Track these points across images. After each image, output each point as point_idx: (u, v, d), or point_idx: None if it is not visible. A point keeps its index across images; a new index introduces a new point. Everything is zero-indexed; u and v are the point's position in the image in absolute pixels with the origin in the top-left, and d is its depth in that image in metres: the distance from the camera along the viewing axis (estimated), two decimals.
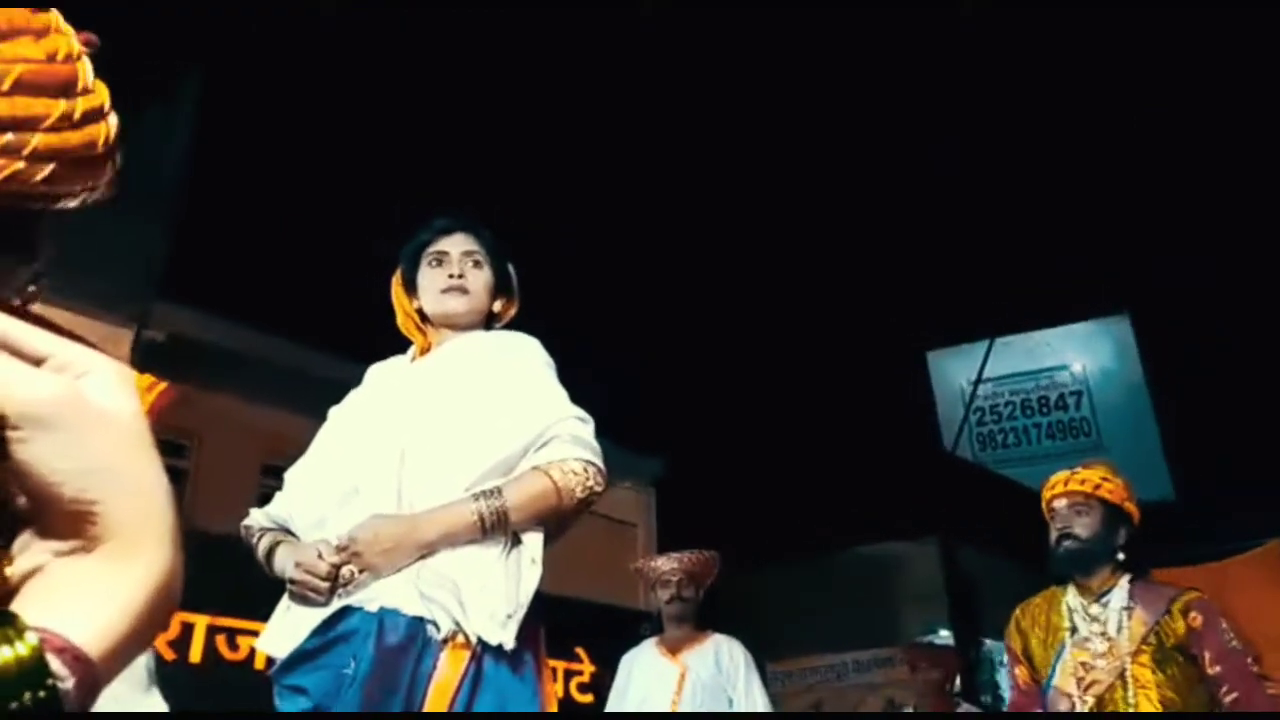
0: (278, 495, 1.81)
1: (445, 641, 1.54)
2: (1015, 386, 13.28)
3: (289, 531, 1.76)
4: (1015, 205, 10.91)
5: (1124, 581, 2.50)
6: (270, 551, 1.70)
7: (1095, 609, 2.50)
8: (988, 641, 8.14)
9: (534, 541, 1.64)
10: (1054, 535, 2.56)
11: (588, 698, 7.93)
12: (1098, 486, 2.56)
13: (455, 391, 1.72)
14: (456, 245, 1.85)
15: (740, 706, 3.44)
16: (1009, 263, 10.94)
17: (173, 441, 7.61)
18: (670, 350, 10.69)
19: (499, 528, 1.60)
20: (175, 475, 7.68)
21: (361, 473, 1.69)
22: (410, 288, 1.87)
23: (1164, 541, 8.12)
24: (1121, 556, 2.51)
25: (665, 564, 3.64)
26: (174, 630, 4.67)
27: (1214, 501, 10.29)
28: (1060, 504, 2.57)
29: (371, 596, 1.58)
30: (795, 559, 9.65)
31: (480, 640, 1.54)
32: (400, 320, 1.92)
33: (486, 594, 1.58)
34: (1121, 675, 2.41)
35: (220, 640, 5.21)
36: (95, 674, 0.43)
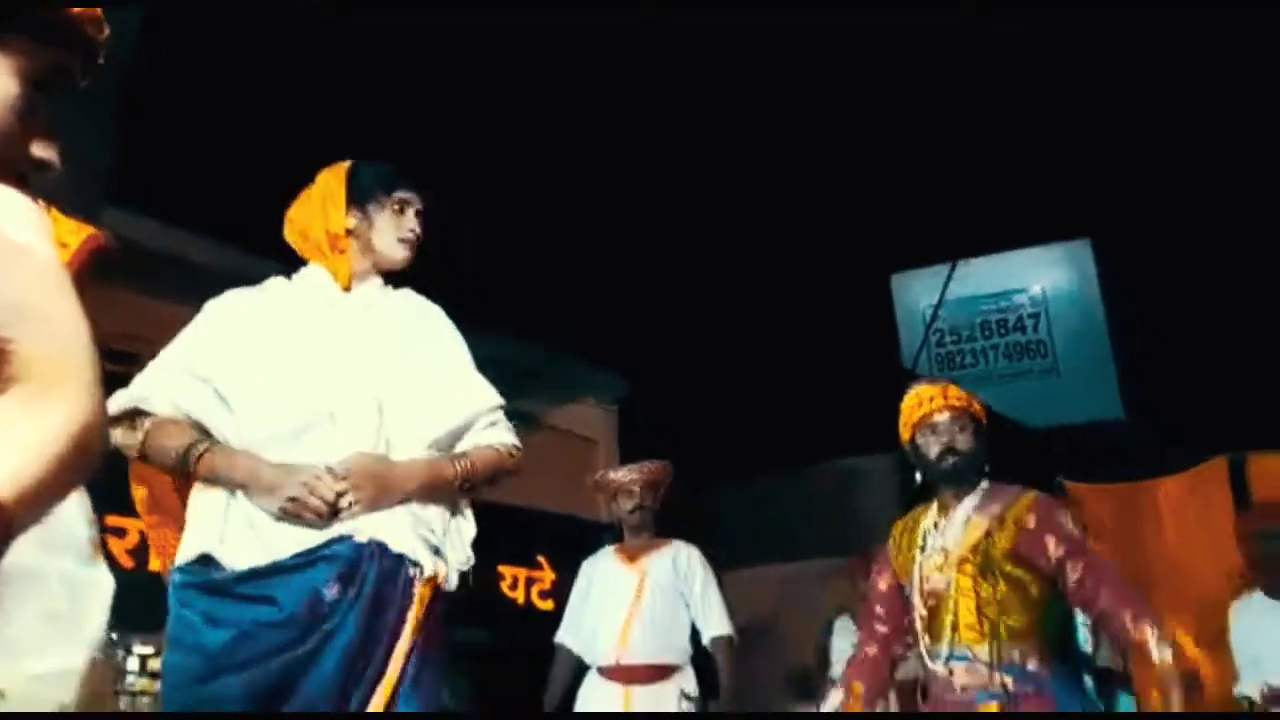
0: (175, 382, 1.76)
1: (420, 581, 1.72)
2: (976, 308, 13.43)
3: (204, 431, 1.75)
4: (981, 129, 10.87)
5: (977, 491, 2.49)
6: (206, 455, 1.70)
7: (942, 522, 2.50)
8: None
9: (468, 505, 1.91)
10: (935, 450, 2.51)
11: (548, 604, 8.13)
12: (971, 403, 2.56)
13: (415, 349, 1.88)
14: (417, 202, 1.95)
15: (696, 609, 3.53)
16: (974, 186, 10.95)
17: (125, 350, 7.51)
18: (636, 269, 10.66)
19: (465, 489, 1.85)
20: (120, 381, 7.58)
21: (336, 404, 1.75)
22: (355, 208, 1.88)
23: (1113, 459, 8.39)
24: (987, 470, 2.53)
25: (625, 475, 3.68)
26: (132, 539, 4.69)
27: (1162, 422, 10.59)
28: (942, 418, 2.53)
29: (360, 527, 1.69)
30: (755, 474, 9.84)
31: (439, 585, 1.75)
32: (315, 228, 1.88)
33: (453, 545, 1.83)
34: (950, 586, 2.40)
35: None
36: (8, 519, 0.42)
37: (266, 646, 1.61)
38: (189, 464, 1.69)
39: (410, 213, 1.94)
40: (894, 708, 4.56)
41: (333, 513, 1.67)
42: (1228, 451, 6.92)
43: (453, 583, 1.80)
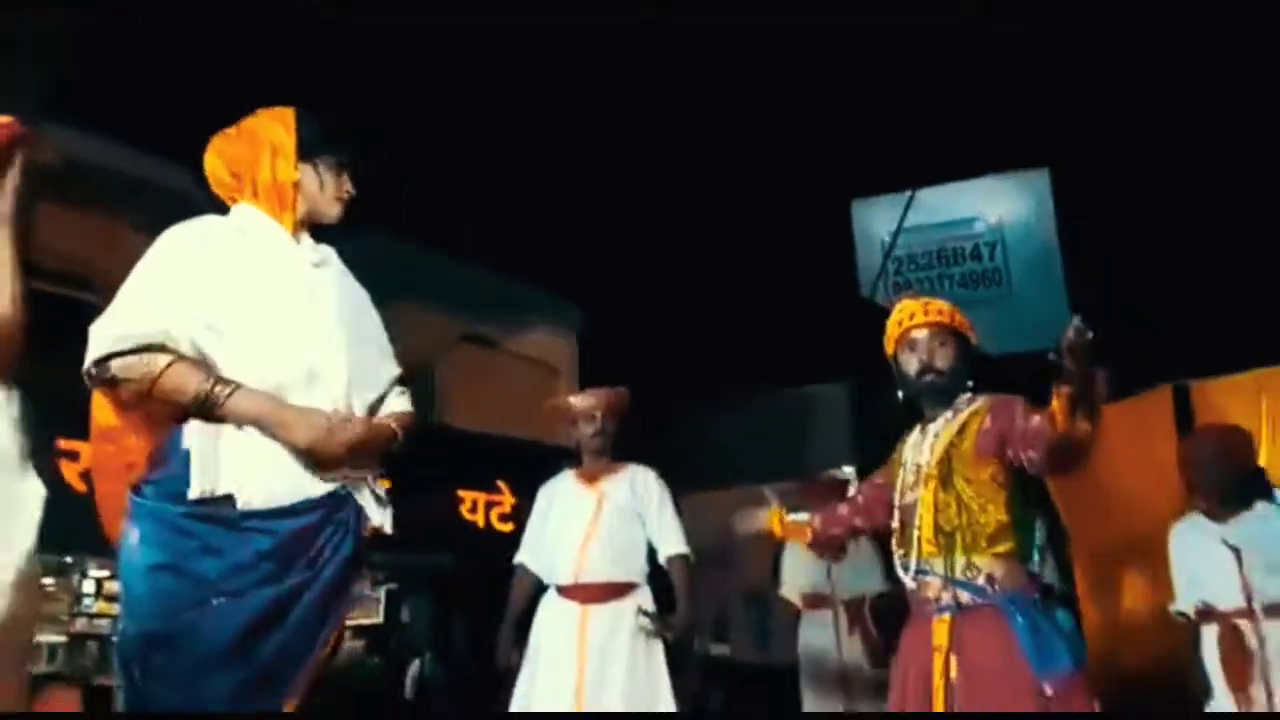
0: (190, 323, 1.77)
1: (366, 532, 1.90)
2: (934, 236, 13.51)
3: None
4: (944, 57, 10.79)
5: (953, 407, 2.45)
6: (235, 394, 1.75)
7: (919, 439, 2.50)
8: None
9: None
10: (914, 367, 2.47)
11: (507, 526, 8.22)
12: (953, 318, 2.49)
13: (355, 313, 1.99)
14: (350, 164, 2.03)
15: (652, 527, 3.60)
16: (936, 114, 10.92)
17: (77, 273, 7.33)
18: (596, 195, 10.54)
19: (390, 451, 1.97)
20: (79, 308, 7.43)
21: (313, 362, 1.83)
22: (303, 162, 1.93)
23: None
24: (971, 384, 2.48)
25: (585, 400, 3.70)
26: (86, 463, 4.64)
27: (1113, 352, 10.82)
28: (921, 334, 2.47)
29: (347, 481, 1.85)
30: (713, 399, 9.93)
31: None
32: (262, 175, 1.90)
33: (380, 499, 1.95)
34: (918, 501, 2.41)
35: None
36: None
37: (258, 577, 1.71)
38: (214, 402, 1.72)
39: (346, 173, 2.01)
40: (843, 621, 4.73)
41: (343, 460, 1.80)
42: (1174, 379, 7.11)
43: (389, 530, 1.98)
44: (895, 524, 2.50)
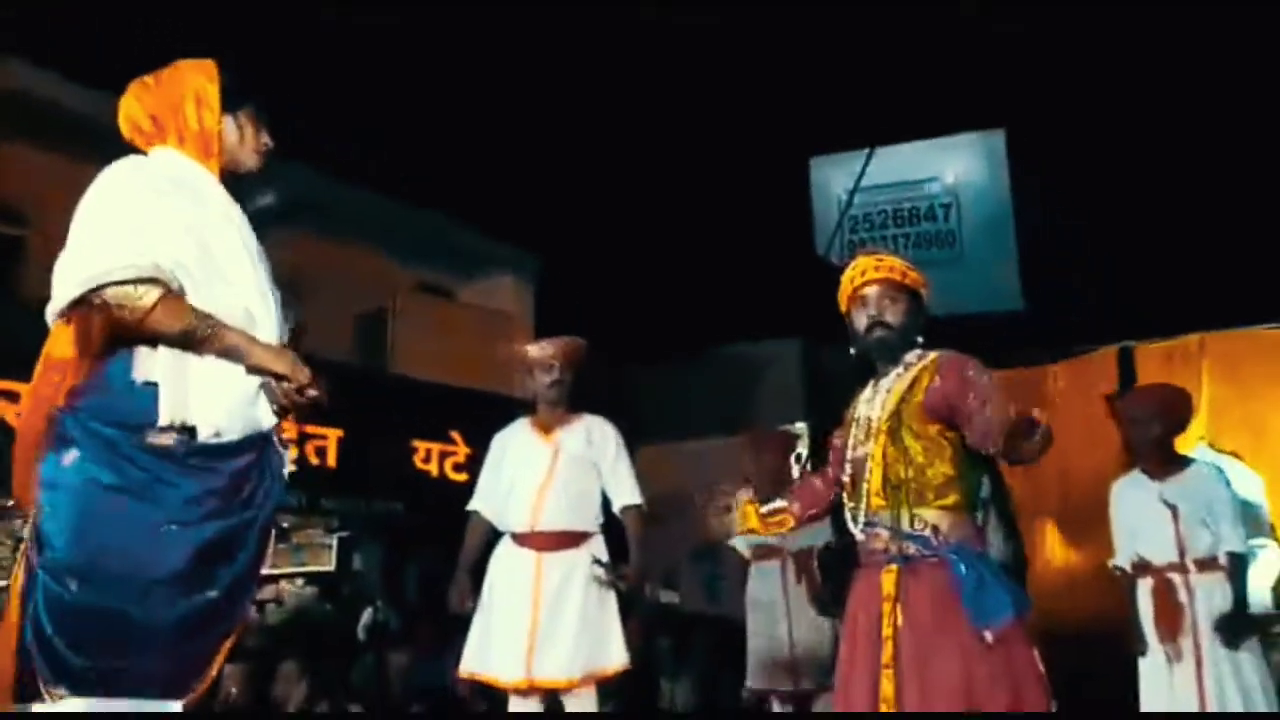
0: (176, 261, 1.79)
1: None
2: (890, 196, 13.58)
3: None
4: (904, 16, 10.78)
5: (903, 362, 2.48)
6: (219, 331, 1.80)
7: (870, 394, 2.53)
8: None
9: None
10: (863, 323, 2.48)
11: (462, 476, 8.22)
12: (905, 274, 2.50)
13: (263, 256, 2.00)
14: (270, 117, 2.05)
15: (608, 478, 3.62)
16: (897, 72, 10.93)
17: (10, 207, 7.11)
18: (557, 146, 10.43)
19: None
20: (13, 244, 7.21)
21: (253, 304, 1.88)
22: (226, 113, 1.96)
23: (1012, 349, 8.75)
24: (920, 340, 2.51)
25: (541, 349, 3.69)
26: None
27: (1061, 314, 11.02)
28: (871, 291, 2.49)
29: (279, 423, 1.91)
30: (668, 353, 9.97)
31: None
32: (189, 123, 1.93)
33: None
34: (868, 455, 2.44)
35: None
36: None
37: (204, 512, 1.77)
38: (204, 336, 1.78)
39: (265, 126, 2.04)
40: (791, 571, 4.82)
41: (304, 392, 1.85)
42: (1119, 341, 7.29)
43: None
44: (846, 477, 2.54)
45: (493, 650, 3.40)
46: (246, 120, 2.00)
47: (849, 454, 2.54)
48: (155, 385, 1.77)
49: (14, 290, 6.29)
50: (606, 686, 3.52)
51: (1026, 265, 12.84)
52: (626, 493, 3.64)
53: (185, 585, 1.74)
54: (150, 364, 1.77)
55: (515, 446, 3.66)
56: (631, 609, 4.22)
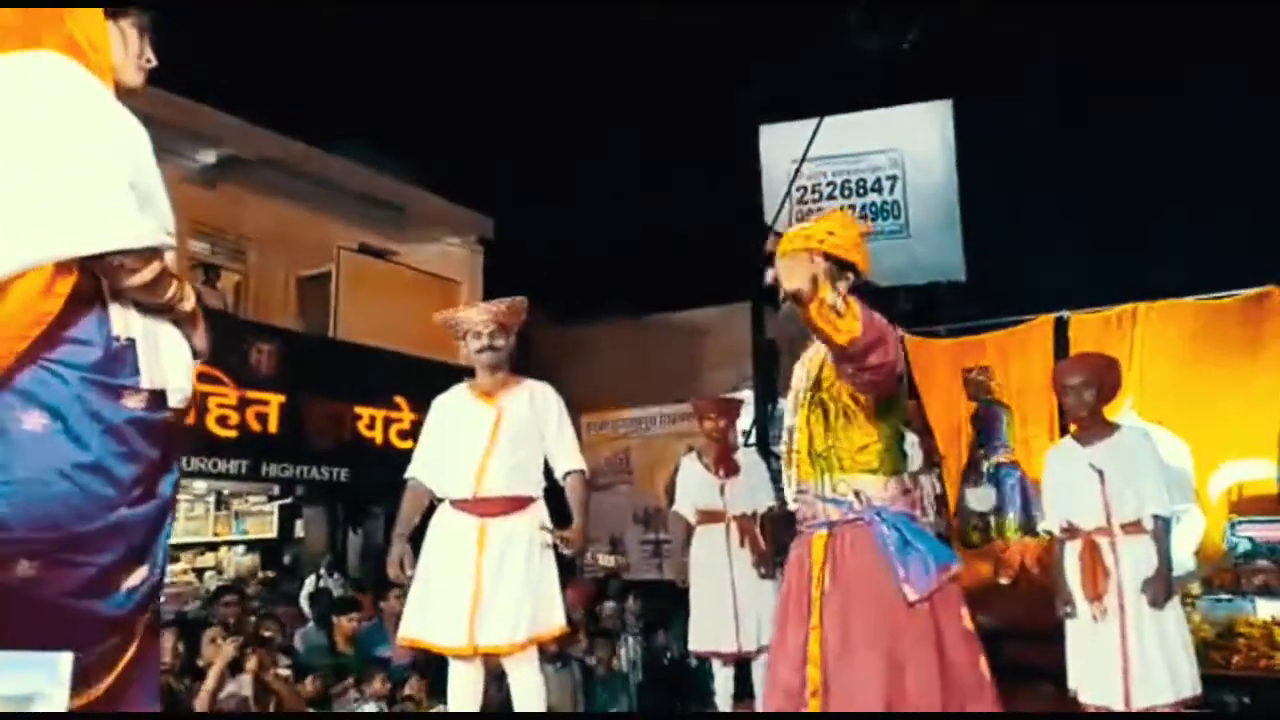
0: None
1: None
2: (838, 167, 13.64)
3: None
4: None
5: None
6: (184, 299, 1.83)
7: (800, 363, 2.56)
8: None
9: None
10: (781, 294, 2.36)
11: (407, 443, 8.16)
12: (822, 240, 2.44)
13: None
14: (153, 31, 1.92)
15: (551, 443, 3.62)
16: (849, 41, 10.95)
17: None
18: (504, 107, 10.29)
19: None
20: None
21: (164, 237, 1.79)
22: (109, 19, 1.80)
23: (955, 319, 8.90)
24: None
25: (472, 314, 3.62)
26: None
27: (1003, 282, 11.24)
28: (782, 264, 2.36)
29: None
30: (615, 318, 9.97)
31: None
32: (78, 30, 1.72)
33: None
34: (796, 424, 2.49)
35: None
36: None
37: (143, 491, 1.73)
38: (176, 300, 1.80)
39: (149, 40, 1.87)
40: (734, 535, 4.89)
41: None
42: (1055, 310, 7.45)
43: None
44: (783, 447, 2.58)
45: (433, 615, 3.40)
46: (130, 28, 1.83)
47: (786, 422, 2.58)
48: (134, 343, 1.71)
49: None
50: (546, 649, 3.55)
51: (970, 237, 13.04)
52: (569, 458, 3.64)
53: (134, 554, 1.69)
54: (127, 321, 1.71)
55: (456, 413, 3.63)
56: (574, 573, 4.24)
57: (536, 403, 3.60)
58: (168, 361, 1.76)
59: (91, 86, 1.69)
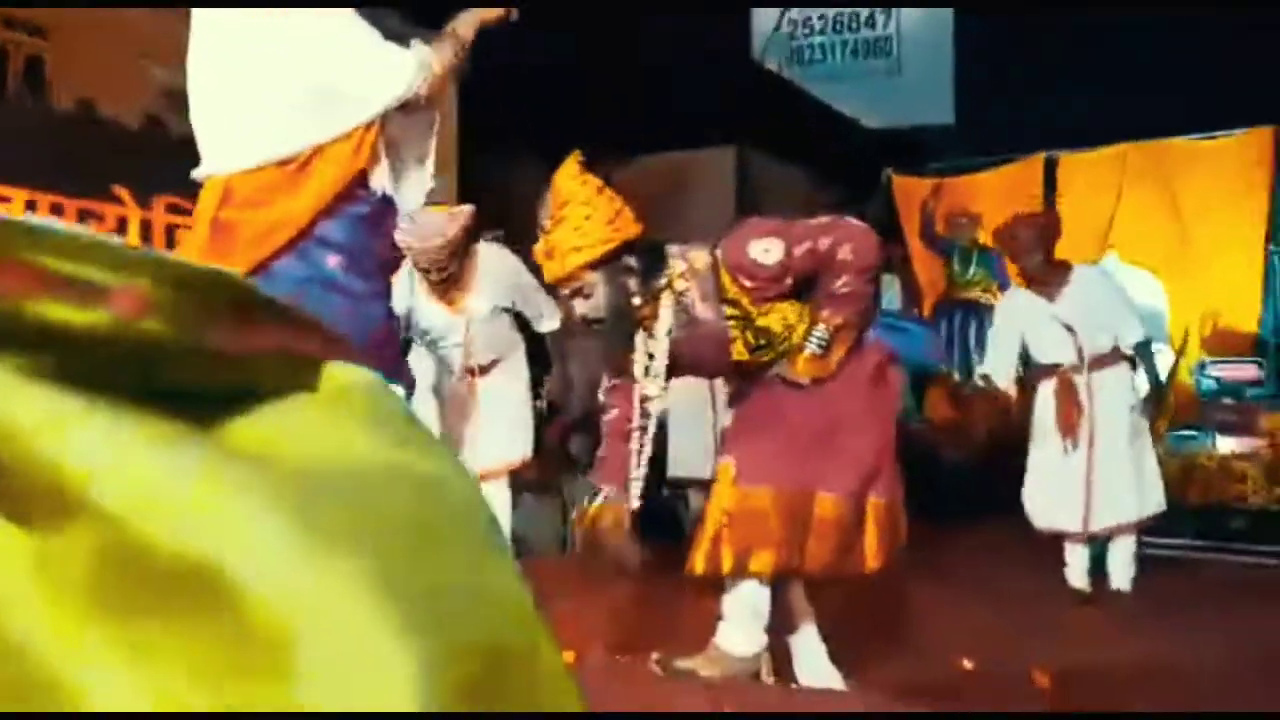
0: None
1: None
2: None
3: None
4: None
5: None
6: None
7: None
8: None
9: None
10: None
11: None
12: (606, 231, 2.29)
13: None
14: None
15: (523, 307, 3.73)
16: None
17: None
18: None
19: None
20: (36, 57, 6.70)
21: None
22: None
23: (944, 159, 8.78)
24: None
25: (420, 256, 3.35)
26: None
27: (988, 127, 11.02)
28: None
29: None
30: (597, 161, 9.75)
31: None
32: None
33: None
34: None
35: None
36: None
37: None
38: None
39: None
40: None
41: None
42: (1046, 150, 7.37)
43: None
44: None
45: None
46: None
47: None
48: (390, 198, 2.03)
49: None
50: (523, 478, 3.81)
51: (962, 76, 12.72)
52: (545, 318, 3.74)
53: None
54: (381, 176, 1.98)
55: (426, 320, 3.61)
56: (554, 415, 4.39)
57: (498, 285, 3.58)
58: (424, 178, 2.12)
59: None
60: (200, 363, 0.43)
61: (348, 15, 1.95)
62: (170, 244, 6.69)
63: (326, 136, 1.85)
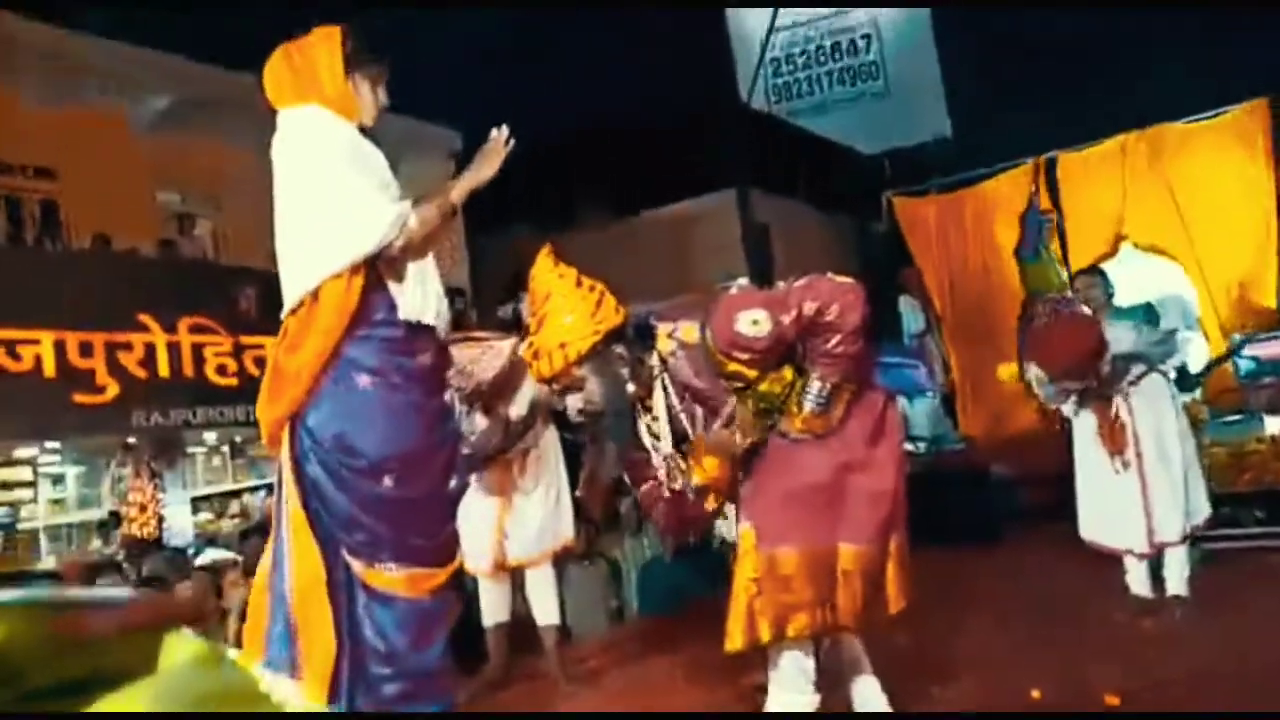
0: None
1: None
2: (810, 32, 13.29)
3: None
4: None
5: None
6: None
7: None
8: (780, 283, 8.77)
9: None
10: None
11: None
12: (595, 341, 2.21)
13: None
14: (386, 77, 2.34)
15: None
16: None
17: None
18: (469, 21, 9.96)
19: None
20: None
21: None
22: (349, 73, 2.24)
23: (941, 173, 8.76)
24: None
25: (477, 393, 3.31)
26: None
27: (985, 135, 11.03)
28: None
29: None
30: (599, 221, 9.83)
31: None
32: (332, 90, 2.20)
33: None
34: None
35: None
36: None
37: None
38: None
39: (381, 87, 2.24)
40: None
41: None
42: (1043, 153, 7.35)
43: None
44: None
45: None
46: (362, 80, 2.19)
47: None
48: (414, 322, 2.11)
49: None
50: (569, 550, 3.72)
51: (951, 90, 12.77)
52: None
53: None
54: (405, 296, 2.10)
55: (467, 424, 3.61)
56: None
57: (531, 389, 3.55)
58: (430, 299, 2.15)
59: (342, 131, 2.15)
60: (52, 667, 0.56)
61: (353, 161, 2.12)
62: (199, 363, 6.80)
63: (318, 280, 2.04)
